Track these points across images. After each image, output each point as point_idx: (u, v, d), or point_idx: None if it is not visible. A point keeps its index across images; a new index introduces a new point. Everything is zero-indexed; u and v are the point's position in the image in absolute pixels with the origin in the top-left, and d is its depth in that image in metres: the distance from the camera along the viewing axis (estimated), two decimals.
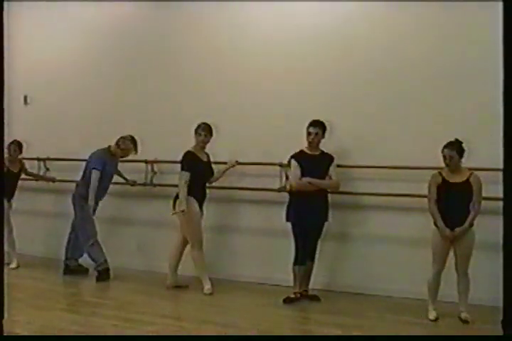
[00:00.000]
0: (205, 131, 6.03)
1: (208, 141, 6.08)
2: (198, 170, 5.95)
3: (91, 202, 6.45)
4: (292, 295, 5.62)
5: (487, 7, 5.05)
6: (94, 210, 6.64)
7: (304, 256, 5.61)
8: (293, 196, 5.67)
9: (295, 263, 5.62)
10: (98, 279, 6.43)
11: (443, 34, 5.68)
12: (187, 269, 6.18)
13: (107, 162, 6.57)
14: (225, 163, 6.31)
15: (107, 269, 6.49)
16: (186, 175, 5.89)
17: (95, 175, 6.46)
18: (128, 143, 6.56)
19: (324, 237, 5.75)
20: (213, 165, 6.23)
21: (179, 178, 5.92)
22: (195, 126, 6.02)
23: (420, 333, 4.74)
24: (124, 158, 6.73)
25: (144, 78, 7.09)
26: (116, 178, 6.88)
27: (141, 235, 7.06)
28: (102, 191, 6.60)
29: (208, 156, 6.18)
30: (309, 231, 5.61)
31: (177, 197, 5.95)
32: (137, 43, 7.18)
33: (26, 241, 7.34)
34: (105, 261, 6.51)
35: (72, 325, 4.82)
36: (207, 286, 5.94)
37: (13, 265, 6.98)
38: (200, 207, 6.05)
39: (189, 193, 5.92)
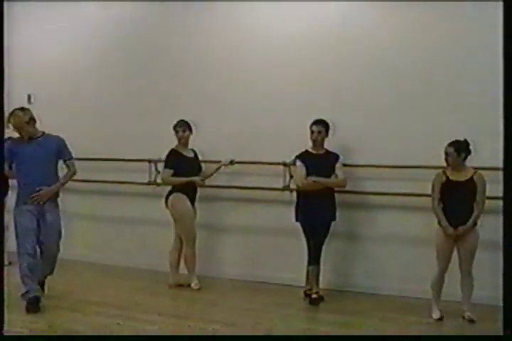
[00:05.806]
0: (183, 127, 6.06)
1: (188, 137, 6.09)
2: (183, 167, 5.95)
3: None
4: (315, 295, 5.53)
5: (488, 8, 5.06)
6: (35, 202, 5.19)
7: (317, 255, 5.56)
8: (300, 196, 5.65)
9: (309, 263, 5.58)
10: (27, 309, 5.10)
11: (446, 34, 5.66)
12: None
13: (12, 144, 5.25)
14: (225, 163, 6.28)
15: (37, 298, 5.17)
16: (167, 172, 5.97)
17: None
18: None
19: (331, 236, 5.73)
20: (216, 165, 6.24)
21: (161, 176, 6.12)
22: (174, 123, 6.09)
23: (424, 333, 4.73)
24: (126, 158, 6.67)
25: (147, 77, 7.07)
26: (119, 178, 6.86)
27: (144, 234, 7.05)
28: (23, 177, 5.28)
29: (194, 153, 6.19)
30: (317, 231, 5.58)
31: (168, 195, 6.02)
32: (140, 43, 7.16)
33: None
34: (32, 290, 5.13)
35: (76, 324, 4.82)
36: (194, 282, 6.03)
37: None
38: (192, 204, 6.05)
39: (179, 190, 5.96)
